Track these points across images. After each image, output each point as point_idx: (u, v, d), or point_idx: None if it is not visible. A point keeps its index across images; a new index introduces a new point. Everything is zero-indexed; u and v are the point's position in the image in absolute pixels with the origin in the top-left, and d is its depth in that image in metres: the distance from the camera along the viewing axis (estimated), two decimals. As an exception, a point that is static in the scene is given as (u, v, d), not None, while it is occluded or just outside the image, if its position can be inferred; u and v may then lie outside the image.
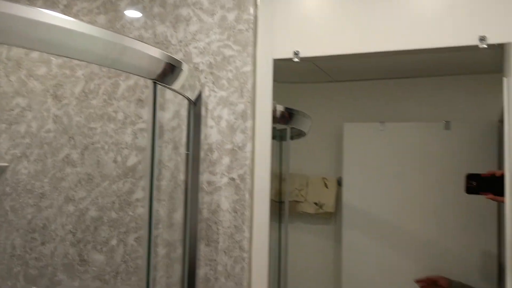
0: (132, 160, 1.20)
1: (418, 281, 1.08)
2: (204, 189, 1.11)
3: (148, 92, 1.14)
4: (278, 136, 1.20)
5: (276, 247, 1.16)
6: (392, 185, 1.15)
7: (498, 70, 1.02)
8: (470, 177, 1.02)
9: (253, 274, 1.09)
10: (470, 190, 1.01)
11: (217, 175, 1.10)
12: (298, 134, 1.27)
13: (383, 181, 1.16)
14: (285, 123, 1.20)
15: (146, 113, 1.18)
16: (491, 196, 0.98)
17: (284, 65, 1.11)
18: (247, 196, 1.08)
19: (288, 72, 1.20)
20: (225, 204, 1.09)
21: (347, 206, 1.17)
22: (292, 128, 1.23)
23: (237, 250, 1.08)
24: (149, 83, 0.89)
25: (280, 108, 1.15)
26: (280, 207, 1.22)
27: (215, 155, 1.11)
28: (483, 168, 1.04)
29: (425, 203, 1.11)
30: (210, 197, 1.11)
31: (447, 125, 1.12)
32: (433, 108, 1.15)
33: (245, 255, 1.07)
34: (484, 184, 1.00)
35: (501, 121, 1.05)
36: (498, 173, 0.97)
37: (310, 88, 1.27)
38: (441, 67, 1.17)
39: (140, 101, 1.20)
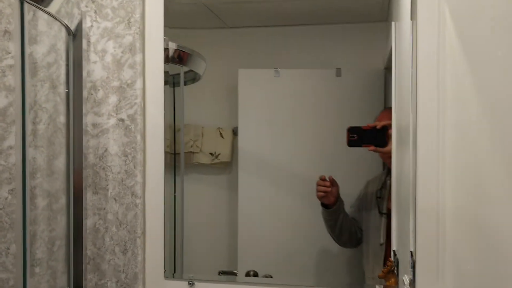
0: (1, 102, 1.08)
1: (323, 179, 1.13)
2: (89, 132, 1.04)
3: (15, 20, 1.01)
4: (171, 81, 1.16)
5: (171, 199, 1.14)
6: (286, 131, 1.20)
7: (385, 18, 1.08)
8: (351, 131, 1.08)
9: (147, 221, 1.06)
10: (352, 143, 1.07)
11: (103, 116, 1.04)
12: (192, 79, 1.24)
13: (277, 128, 1.21)
14: (179, 63, 1.15)
15: (15, 46, 1.06)
16: (372, 148, 1.06)
17: (177, 9, 1.06)
18: (138, 138, 1.04)
19: (181, 17, 1.16)
20: (114, 148, 1.04)
21: (242, 155, 1.20)
22: (186, 72, 1.19)
23: (129, 196, 1.04)
24: (15, 3, 0.78)
25: (172, 45, 1.10)
26: (175, 159, 1.19)
27: (100, 93, 1.03)
28: (372, 113, 1.10)
29: (317, 148, 1.17)
30: (96, 141, 1.04)
31: (338, 72, 1.17)
32: (325, 55, 1.20)
33: (138, 201, 1.04)
34: (366, 137, 1.06)
35: (386, 68, 1.12)
36: (379, 125, 1.04)
37: (203, 34, 1.25)
38: (333, 15, 1.22)
39: (7, 33, 1.07)
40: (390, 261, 1.05)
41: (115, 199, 1.06)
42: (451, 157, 0.89)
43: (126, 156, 1.05)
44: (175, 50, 1.13)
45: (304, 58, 1.22)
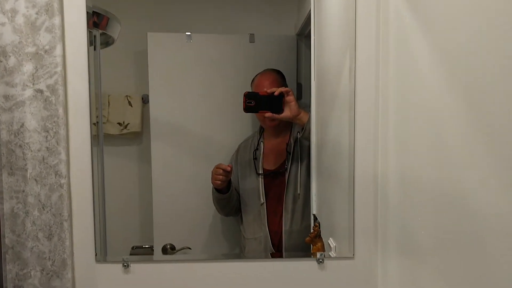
0: None
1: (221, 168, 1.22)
2: (0, 106, 0.98)
3: None
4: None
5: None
6: (199, 98, 1.28)
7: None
8: (249, 96, 1.15)
9: (74, 203, 1.05)
10: (248, 109, 1.16)
11: (17, 86, 0.99)
12: (105, 43, 1.20)
13: (190, 94, 1.27)
14: (98, 26, 1.11)
15: None
16: (269, 114, 1.15)
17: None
18: (60, 111, 1.01)
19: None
20: (32, 123, 1.00)
21: (154, 124, 1.22)
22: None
23: (52, 176, 1.02)
24: None
25: (89, 7, 1.06)
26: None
27: (12, 61, 0.98)
28: (287, 79, 1.18)
29: (232, 115, 1.26)
30: (9, 115, 1.00)
31: (252, 38, 1.23)
32: (238, 20, 1.26)
33: (63, 181, 1.02)
34: (262, 103, 1.15)
35: (298, 35, 1.20)
36: (276, 92, 1.13)
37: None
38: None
39: None
40: (316, 226, 1.16)
41: (36, 180, 1.03)
42: (394, 120, 0.99)
43: (47, 131, 1.02)
44: (94, 12, 1.08)
45: (217, 23, 1.30)
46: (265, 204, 1.26)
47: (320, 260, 1.12)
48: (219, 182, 1.24)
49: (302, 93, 1.24)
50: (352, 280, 1.12)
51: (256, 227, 1.27)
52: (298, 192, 1.25)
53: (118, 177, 1.26)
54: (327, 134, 1.21)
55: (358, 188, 1.11)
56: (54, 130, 1.04)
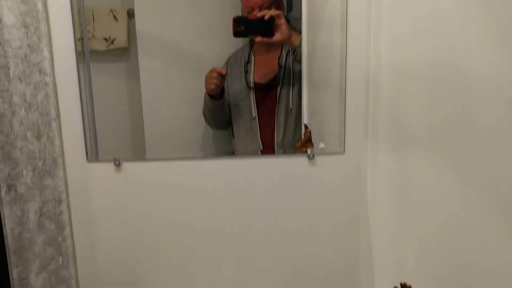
0: None
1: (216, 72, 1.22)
2: (-24, -1, 0.96)
3: None
4: None
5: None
6: (187, 10, 1.23)
7: None
8: (238, 21, 1.12)
9: (61, 101, 1.06)
10: (238, 34, 1.13)
11: (-9, -22, 0.95)
12: None
13: (177, 7, 1.24)
14: None
15: None
16: (259, 38, 1.12)
17: None
18: (39, 6, 0.98)
19: None
20: (10, 18, 0.98)
21: (141, 39, 1.21)
22: None
23: (36, 74, 1.01)
24: None
25: None
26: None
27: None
28: None
29: (222, 27, 1.25)
30: (-14, 9, 0.96)
31: None
32: None
33: (47, 79, 1.03)
34: (252, 27, 1.12)
35: None
36: (266, 16, 1.09)
37: None
38: None
39: None
40: (308, 132, 1.17)
41: (19, 79, 1.03)
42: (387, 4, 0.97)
43: (27, 27, 1.00)
44: None
45: None
46: (257, 118, 1.27)
47: (311, 156, 1.14)
48: (214, 86, 1.23)
49: (292, 4, 1.21)
50: (342, 174, 1.15)
51: (248, 141, 1.29)
52: (291, 106, 1.25)
53: (106, 95, 1.25)
54: (318, 41, 1.19)
55: (350, 86, 1.11)
56: (34, 25, 1.02)
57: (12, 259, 1.15)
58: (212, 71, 1.23)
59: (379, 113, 1.06)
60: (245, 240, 1.20)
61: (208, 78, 1.24)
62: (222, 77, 1.23)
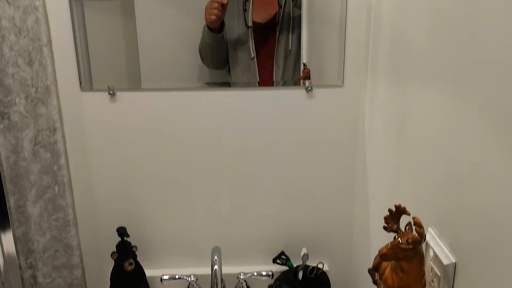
0: None
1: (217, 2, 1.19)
2: None
3: None
4: None
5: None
6: None
7: None
8: None
9: (52, 27, 1.03)
10: None
11: None
12: None
13: None
14: None
15: None
16: None
17: None
18: None
19: None
20: None
21: None
22: None
23: (25, -3, 0.97)
24: None
25: None
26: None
27: None
28: None
29: None
30: None
31: None
32: None
33: (37, 3, 0.99)
34: None
35: None
36: None
37: None
38: None
39: None
40: (306, 69, 1.15)
41: (7, 1, 1.00)
42: None
43: None
44: None
45: None
46: (255, 58, 1.24)
47: (309, 88, 1.13)
48: (214, 17, 1.19)
49: None
50: (341, 107, 1.15)
51: (245, 81, 1.27)
52: (290, 48, 1.22)
53: (102, 32, 1.22)
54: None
55: (350, 18, 1.09)
56: None
57: (8, 187, 1.16)
58: (212, 1, 1.19)
59: (379, 45, 1.04)
60: (241, 172, 1.21)
61: (208, 8, 1.20)
62: (223, 7, 1.19)
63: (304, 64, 1.23)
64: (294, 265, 1.24)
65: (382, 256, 0.70)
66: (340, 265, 1.32)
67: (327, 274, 1.26)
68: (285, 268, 1.26)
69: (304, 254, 1.18)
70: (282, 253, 1.28)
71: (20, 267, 1.22)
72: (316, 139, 1.18)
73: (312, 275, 1.21)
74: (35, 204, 1.18)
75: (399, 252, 0.69)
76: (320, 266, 1.23)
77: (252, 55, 1.25)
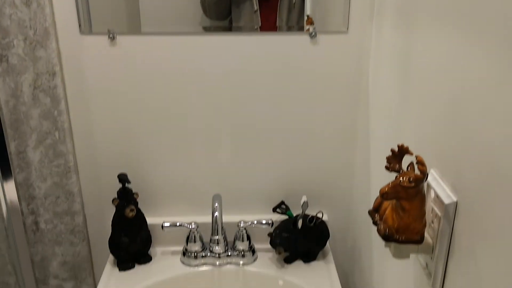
0: None
1: None
2: None
3: None
4: None
5: None
6: None
7: None
8: None
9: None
10: None
11: None
12: None
13: None
14: None
15: None
16: None
17: None
18: None
19: None
20: None
21: None
22: None
23: None
24: None
25: None
26: None
27: None
28: None
29: None
30: None
31: None
32: None
33: None
34: None
35: None
36: None
37: None
38: None
39: None
40: (310, 19, 1.13)
41: None
42: None
43: None
44: None
45: None
46: (258, 12, 1.21)
47: (313, 34, 1.11)
48: None
49: None
50: (345, 53, 1.13)
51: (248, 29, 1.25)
52: (294, 1, 1.19)
53: None
54: None
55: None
56: None
57: (8, 132, 1.16)
58: None
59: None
60: (242, 119, 1.20)
61: None
62: None
63: (308, 16, 1.20)
64: (294, 215, 1.26)
65: (383, 195, 0.70)
66: (340, 215, 1.33)
67: (327, 223, 1.27)
68: (284, 217, 1.28)
69: (304, 202, 1.19)
70: (282, 202, 1.29)
71: (22, 213, 1.23)
72: (319, 86, 1.16)
73: (312, 224, 1.22)
74: (35, 150, 1.18)
75: (401, 191, 0.69)
76: (319, 215, 1.24)
77: (255, 8, 1.22)
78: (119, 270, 1.23)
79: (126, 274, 1.22)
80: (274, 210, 1.28)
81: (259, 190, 1.29)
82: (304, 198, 1.21)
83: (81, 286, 1.34)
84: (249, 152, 1.24)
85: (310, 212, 1.27)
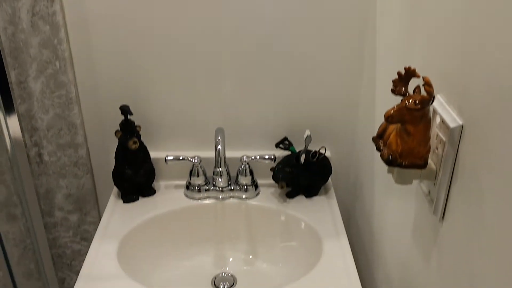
0: None
1: None
2: None
3: None
4: None
5: None
6: None
7: None
8: None
9: None
10: None
11: None
12: None
13: None
14: None
15: None
16: None
17: None
18: None
19: None
20: None
21: None
22: None
23: None
24: None
25: None
26: None
27: None
28: None
29: None
30: None
31: None
32: None
33: None
34: None
35: None
36: None
37: None
38: None
39: None
40: None
41: None
42: None
43: None
44: None
45: None
46: None
47: (321, -39, 1.07)
48: None
49: None
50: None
51: None
52: None
53: None
54: None
55: None
56: None
57: (8, 61, 1.14)
58: None
59: None
60: (244, 50, 1.17)
61: None
62: None
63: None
64: (297, 150, 1.26)
65: (388, 118, 0.69)
66: (343, 151, 1.32)
67: (329, 159, 1.27)
68: (287, 153, 1.27)
69: (307, 136, 1.19)
70: (285, 138, 1.28)
71: (25, 145, 1.24)
72: (324, 10, 1.13)
73: (314, 159, 1.22)
74: (36, 80, 1.17)
75: (406, 114, 0.68)
76: (322, 150, 1.24)
77: None
78: (123, 202, 1.25)
79: (130, 206, 1.24)
80: (277, 145, 1.27)
81: (262, 126, 1.28)
82: (307, 132, 1.20)
83: (86, 219, 1.37)
84: (251, 85, 1.22)
85: (313, 148, 1.27)
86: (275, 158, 1.23)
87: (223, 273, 1.20)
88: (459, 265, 0.67)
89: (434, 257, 0.77)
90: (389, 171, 0.77)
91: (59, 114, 1.21)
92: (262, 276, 1.19)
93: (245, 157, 1.24)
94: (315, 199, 1.27)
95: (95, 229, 1.18)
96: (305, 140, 1.19)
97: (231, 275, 1.19)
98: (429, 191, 0.77)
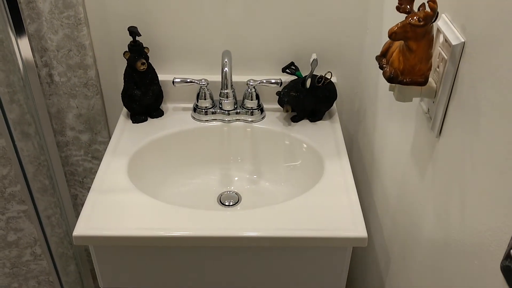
0: None
1: None
2: None
3: None
4: None
5: None
6: None
7: None
8: None
9: None
10: None
11: None
12: None
13: None
14: None
15: None
16: None
17: None
18: None
19: None
20: None
21: None
22: None
23: None
24: None
25: None
26: None
27: None
28: None
29: None
30: None
31: None
32: None
33: None
34: None
35: None
36: None
37: None
38: None
39: None
40: None
41: None
42: None
43: None
44: None
45: None
46: None
47: None
48: None
49: None
50: None
51: None
52: None
53: None
54: None
55: None
56: None
57: (16, -21, 1.14)
58: None
59: None
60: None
61: None
62: None
63: None
64: (303, 76, 1.27)
65: (392, 35, 0.70)
66: (349, 77, 1.34)
67: (335, 85, 1.29)
68: (294, 77, 1.29)
69: (313, 59, 1.20)
70: (292, 63, 1.30)
71: (36, 65, 1.26)
72: None
73: (320, 84, 1.24)
74: (45, 0, 1.17)
75: (409, 31, 0.69)
76: (328, 76, 1.26)
77: None
78: (133, 122, 1.29)
79: (139, 127, 1.28)
80: (284, 70, 1.29)
81: (269, 50, 1.29)
82: (314, 56, 1.21)
83: (97, 138, 1.41)
84: (258, 7, 1.22)
85: (320, 73, 1.28)
86: (281, 83, 1.26)
87: (228, 191, 1.26)
88: (451, 179, 0.72)
89: (429, 172, 0.81)
90: (390, 89, 0.80)
91: (68, 35, 1.23)
92: (265, 194, 1.25)
93: (251, 80, 1.26)
94: (319, 123, 1.30)
95: (106, 149, 1.23)
96: (311, 64, 1.20)
97: (236, 193, 1.25)
98: (428, 109, 0.80)
